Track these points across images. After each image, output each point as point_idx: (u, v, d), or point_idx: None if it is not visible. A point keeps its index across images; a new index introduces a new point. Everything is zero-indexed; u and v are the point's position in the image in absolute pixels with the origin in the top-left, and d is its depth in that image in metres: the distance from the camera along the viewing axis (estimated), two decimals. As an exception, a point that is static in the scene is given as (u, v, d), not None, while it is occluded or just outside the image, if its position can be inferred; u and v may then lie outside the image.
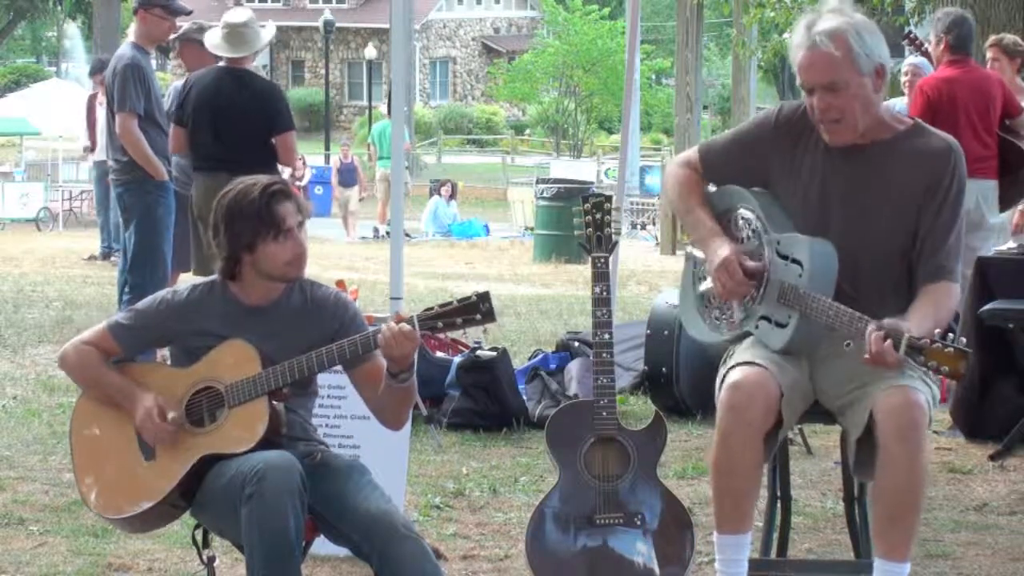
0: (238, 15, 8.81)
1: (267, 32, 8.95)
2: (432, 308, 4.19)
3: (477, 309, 4.14)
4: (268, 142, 8.58)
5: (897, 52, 9.86)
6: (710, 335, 4.62)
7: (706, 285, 4.57)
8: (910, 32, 9.77)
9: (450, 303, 4.18)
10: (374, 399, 4.34)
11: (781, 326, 4.38)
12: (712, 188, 4.65)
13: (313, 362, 4.21)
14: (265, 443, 4.17)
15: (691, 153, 4.71)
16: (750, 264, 4.43)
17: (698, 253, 4.61)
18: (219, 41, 8.71)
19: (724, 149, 4.63)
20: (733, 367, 4.39)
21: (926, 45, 9.33)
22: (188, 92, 8.73)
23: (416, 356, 4.31)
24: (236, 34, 8.69)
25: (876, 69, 4.33)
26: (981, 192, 8.75)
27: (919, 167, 4.39)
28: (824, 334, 4.34)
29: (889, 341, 4.10)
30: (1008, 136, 8.85)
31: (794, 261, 4.36)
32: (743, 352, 4.45)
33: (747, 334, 4.48)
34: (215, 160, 8.35)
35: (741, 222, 4.53)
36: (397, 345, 4.12)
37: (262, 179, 4.31)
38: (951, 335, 4.05)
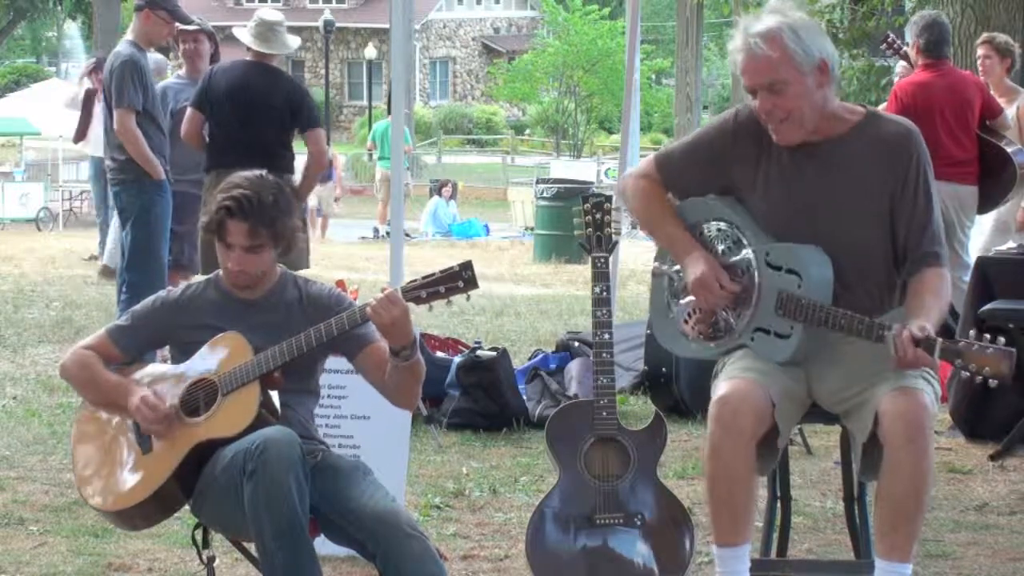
0: (272, 14, 8.87)
1: (294, 40, 8.99)
2: (416, 280, 4.22)
3: (460, 277, 4.18)
4: (288, 141, 8.61)
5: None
6: (698, 351, 4.58)
7: (687, 299, 4.53)
8: (888, 35, 9.76)
9: (433, 274, 4.22)
10: (382, 383, 4.37)
11: (783, 336, 4.35)
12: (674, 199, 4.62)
13: (303, 342, 4.23)
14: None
15: (647, 164, 4.65)
16: (728, 284, 4.41)
17: (666, 268, 4.59)
18: (250, 36, 8.72)
19: (683, 158, 4.58)
20: (721, 381, 4.39)
21: (905, 48, 9.34)
22: (213, 81, 8.70)
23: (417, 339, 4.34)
24: (270, 30, 8.71)
25: (818, 65, 4.30)
26: (959, 198, 8.75)
27: (880, 156, 4.36)
28: (825, 341, 4.33)
29: (912, 345, 4.05)
30: (989, 137, 8.85)
31: (789, 271, 4.33)
32: (732, 365, 4.44)
33: (740, 347, 4.46)
34: (232, 153, 8.25)
35: (716, 233, 4.50)
36: (384, 311, 4.14)
37: (246, 187, 4.30)
38: (986, 335, 4.02)
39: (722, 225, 4.49)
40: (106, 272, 10.10)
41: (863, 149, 4.38)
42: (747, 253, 4.43)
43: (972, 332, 4.04)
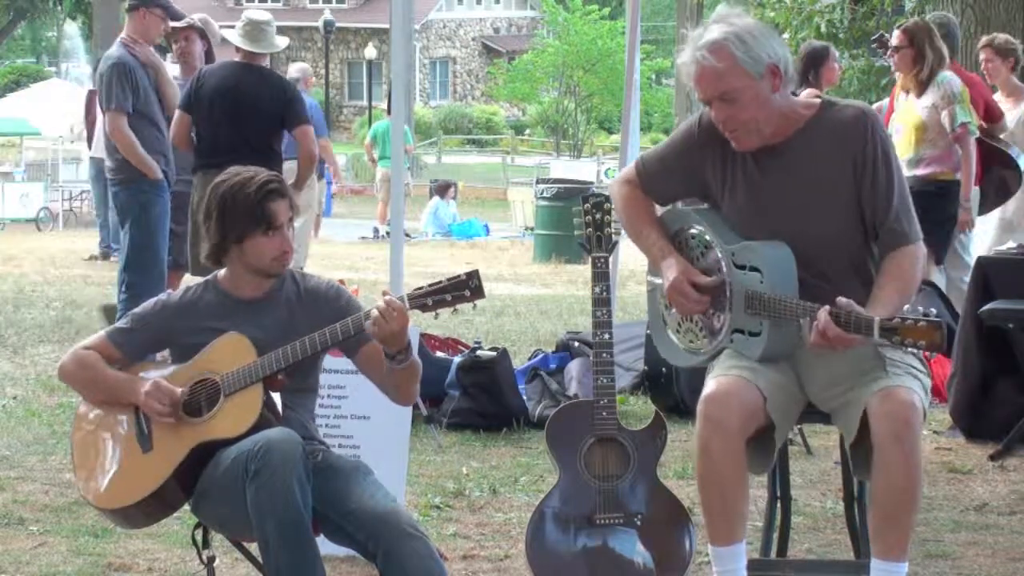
0: (260, 14, 8.93)
1: (282, 40, 9.03)
2: (422, 287, 4.22)
3: (466, 285, 4.18)
4: (276, 141, 8.61)
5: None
6: (689, 359, 4.62)
7: (674, 309, 4.56)
8: (881, 35, 9.78)
9: (439, 281, 4.21)
10: (380, 380, 4.38)
11: (754, 335, 4.37)
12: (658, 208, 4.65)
13: (307, 345, 4.23)
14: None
15: (630, 170, 4.68)
16: (701, 280, 4.43)
17: (656, 280, 4.60)
18: (239, 36, 8.75)
19: (658, 163, 4.61)
20: (709, 380, 4.40)
21: None
22: (201, 82, 8.71)
23: (415, 341, 4.34)
24: (258, 30, 8.75)
25: (769, 69, 4.30)
26: None
27: (837, 142, 4.37)
28: (799, 335, 4.33)
29: (827, 319, 4.08)
30: (987, 139, 8.88)
31: (752, 269, 4.35)
32: (719, 364, 4.45)
33: (724, 350, 4.47)
34: (220, 154, 8.23)
35: (692, 241, 4.51)
36: (388, 322, 4.14)
37: (260, 173, 4.37)
38: (920, 308, 4.02)
39: (695, 231, 4.51)
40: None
41: (820, 141, 4.38)
42: (717, 255, 4.44)
43: (906, 307, 4.03)
